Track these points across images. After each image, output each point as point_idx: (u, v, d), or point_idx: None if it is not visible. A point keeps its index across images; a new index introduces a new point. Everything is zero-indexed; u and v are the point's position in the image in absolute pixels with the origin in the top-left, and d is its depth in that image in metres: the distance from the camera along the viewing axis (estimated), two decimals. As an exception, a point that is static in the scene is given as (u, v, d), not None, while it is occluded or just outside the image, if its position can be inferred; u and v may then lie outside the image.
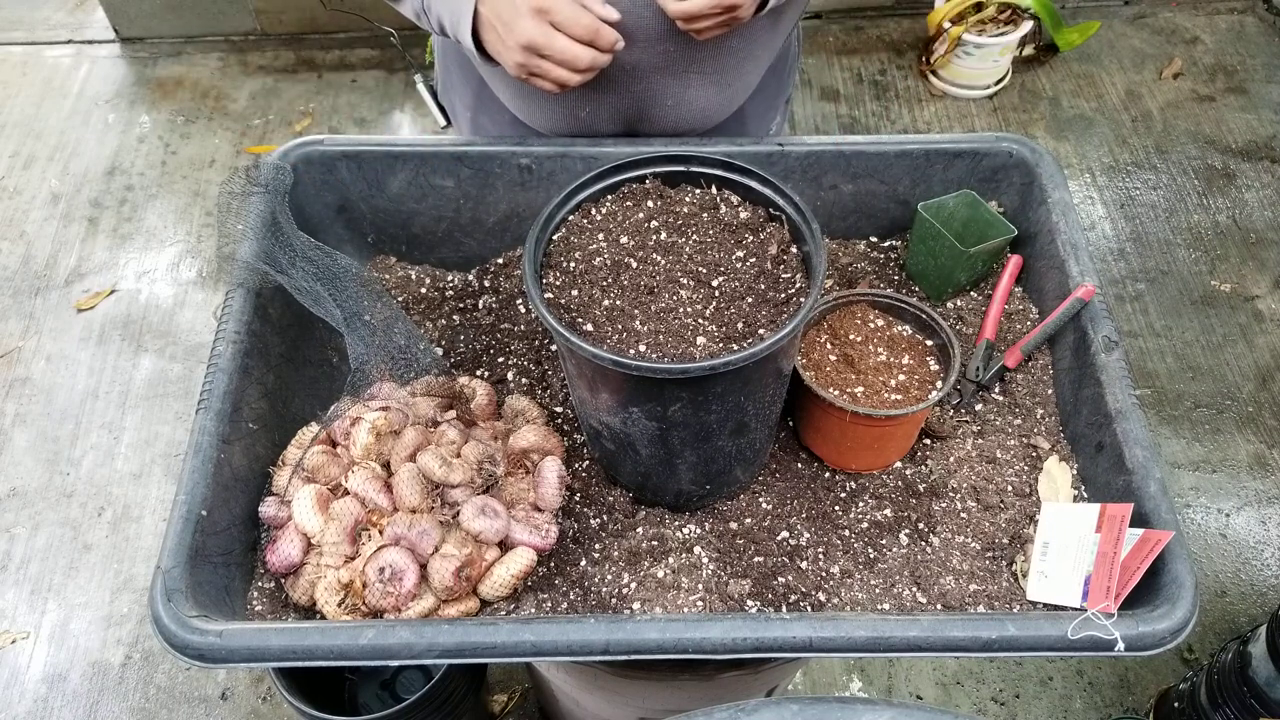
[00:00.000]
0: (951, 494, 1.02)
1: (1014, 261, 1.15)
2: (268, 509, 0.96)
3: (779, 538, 1.00)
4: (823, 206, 1.20)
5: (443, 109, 1.37)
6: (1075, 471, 1.02)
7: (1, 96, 3.18)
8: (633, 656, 0.82)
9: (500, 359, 1.16)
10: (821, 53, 3.28)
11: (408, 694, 1.53)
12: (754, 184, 0.94)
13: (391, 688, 1.76)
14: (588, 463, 1.06)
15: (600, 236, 0.92)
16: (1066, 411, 1.06)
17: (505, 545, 0.95)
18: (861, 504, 1.02)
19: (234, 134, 3.06)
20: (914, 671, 1.98)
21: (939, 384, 1.01)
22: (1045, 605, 0.91)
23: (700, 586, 0.94)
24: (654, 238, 0.92)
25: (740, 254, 0.91)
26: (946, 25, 2.98)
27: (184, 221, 2.82)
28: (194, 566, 0.86)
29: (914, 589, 0.96)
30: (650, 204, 0.95)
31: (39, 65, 3.29)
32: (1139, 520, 0.89)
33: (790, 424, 1.09)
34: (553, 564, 0.97)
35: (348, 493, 0.95)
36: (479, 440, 1.00)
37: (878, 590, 0.96)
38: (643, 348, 0.85)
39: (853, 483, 1.04)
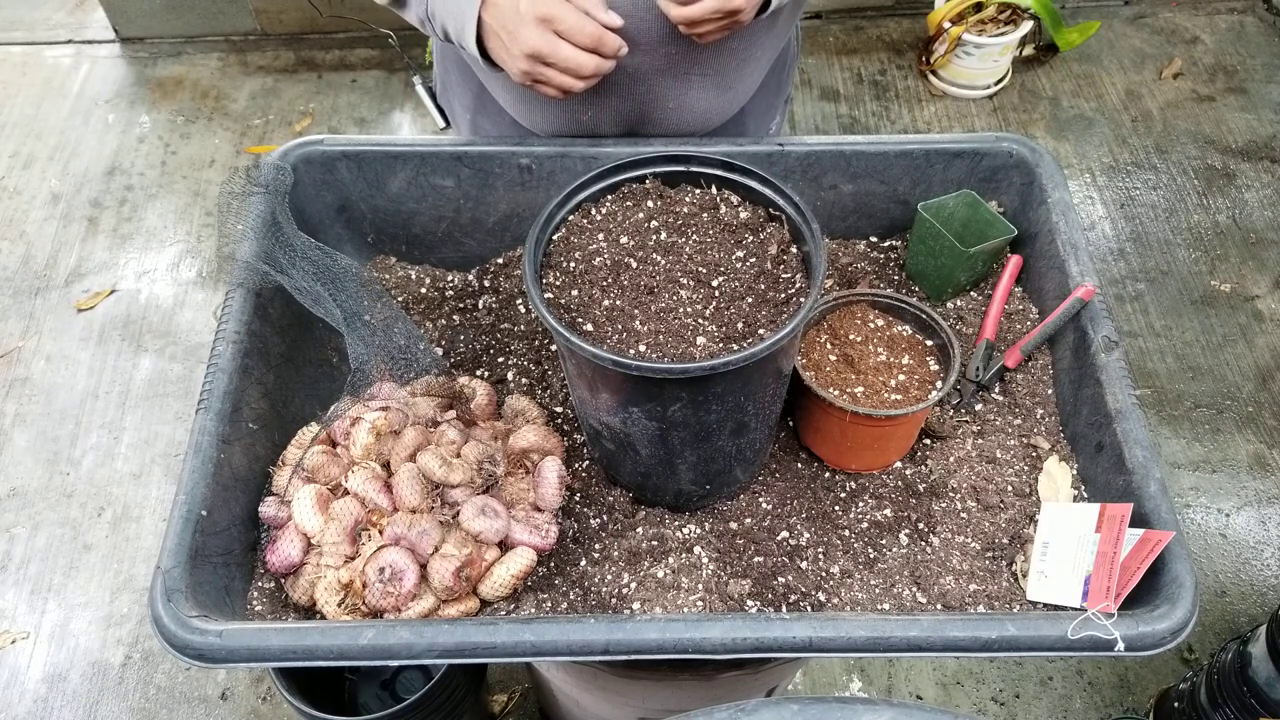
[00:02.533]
0: (951, 494, 1.02)
1: (1014, 261, 1.15)
2: (268, 509, 0.96)
3: (779, 538, 1.00)
4: (823, 206, 1.20)
5: (441, 111, 1.37)
6: (1075, 471, 1.02)
7: (1, 96, 3.18)
8: (633, 656, 0.82)
9: (500, 359, 1.16)
10: (821, 53, 3.28)
11: (408, 694, 1.53)
12: (754, 184, 0.94)
13: (391, 688, 1.76)
14: (588, 463, 1.06)
15: (600, 236, 0.92)
16: (1066, 411, 1.06)
17: (505, 545, 0.95)
18: (861, 504, 1.02)
19: (234, 134, 3.06)
20: (914, 671, 1.98)
21: (939, 384, 1.01)
22: (1045, 605, 0.91)
23: (700, 586, 0.94)
24: (654, 238, 0.92)
25: (740, 254, 0.91)
26: (946, 25, 2.98)
27: (184, 221, 2.82)
28: (194, 566, 0.86)
29: (914, 589, 0.95)
30: (650, 204, 0.94)
31: (39, 65, 3.29)
32: (1139, 520, 0.89)
33: (790, 424, 1.09)
34: (553, 564, 0.97)
35: (348, 493, 0.95)
36: (479, 440, 1.00)
37: (878, 590, 0.96)
38: (643, 348, 0.85)
39: (853, 483, 1.04)
